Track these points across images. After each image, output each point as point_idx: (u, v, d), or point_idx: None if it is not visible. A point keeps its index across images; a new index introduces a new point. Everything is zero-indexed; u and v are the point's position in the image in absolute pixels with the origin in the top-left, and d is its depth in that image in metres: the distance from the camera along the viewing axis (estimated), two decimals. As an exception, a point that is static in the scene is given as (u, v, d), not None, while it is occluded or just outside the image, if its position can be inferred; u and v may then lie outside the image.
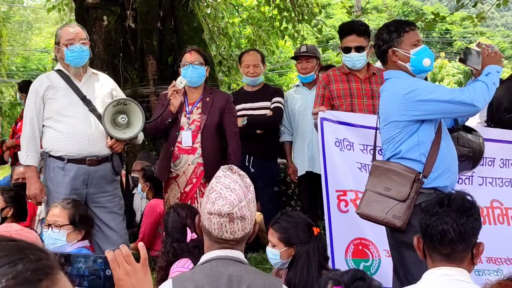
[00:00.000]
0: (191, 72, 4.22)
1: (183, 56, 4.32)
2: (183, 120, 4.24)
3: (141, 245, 1.77)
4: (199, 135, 4.19)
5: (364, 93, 4.20)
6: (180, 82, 4.11)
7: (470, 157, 3.23)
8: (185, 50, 4.38)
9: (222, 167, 2.15)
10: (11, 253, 0.86)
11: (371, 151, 3.41)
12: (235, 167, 2.14)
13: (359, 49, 4.23)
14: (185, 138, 4.20)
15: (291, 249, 2.97)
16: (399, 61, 3.11)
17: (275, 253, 3.01)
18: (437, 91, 3.01)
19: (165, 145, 4.31)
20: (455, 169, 3.12)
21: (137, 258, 1.74)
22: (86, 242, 3.41)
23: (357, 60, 4.23)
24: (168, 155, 4.24)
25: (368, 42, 4.29)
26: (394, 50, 3.12)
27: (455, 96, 2.97)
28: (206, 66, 4.32)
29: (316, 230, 3.01)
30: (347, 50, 4.24)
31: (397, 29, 3.15)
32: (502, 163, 3.96)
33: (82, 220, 3.37)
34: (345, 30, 4.28)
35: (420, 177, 2.98)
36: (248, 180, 2.11)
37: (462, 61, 3.27)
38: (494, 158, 3.94)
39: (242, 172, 2.13)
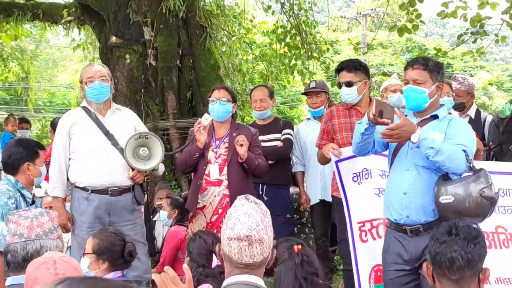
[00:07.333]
0: (217, 107, 4.39)
1: (212, 92, 4.51)
2: (210, 154, 4.40)
3: (185, 267, 1.91)
4: (225, 168, 4.34)
5: None
6: (205, 119, 4.28)
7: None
8: (214, 87, 4.59)
9: (239, 197, 2.21)
10: None
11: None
12: (251, 197, 2.20)
13: (349, 84, 4.26)
14: (213, 171, 4.34)
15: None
16: None
17: None
18: None
19: (195, 179, 4.48)
20: (395, 205, 3.30)
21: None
22: (119, 273, 3.36)
23: (346, 94, 4.28)
24: (197, 188, 4.39)
25: (362, 77, 4.31)
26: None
27: None
28: (233, 103, 4.49)
29: (297, 248, 2.90)
30: (339, 85, 4.33)
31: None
32: (503, 192, 3.98)
33: (102, 251, 3.31)
34: (338, 67, 4.38)
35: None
36: (264, 207, 2.17)
37: (380, 114, 3.08)
38: None
39: (258, 201, 2.19)
